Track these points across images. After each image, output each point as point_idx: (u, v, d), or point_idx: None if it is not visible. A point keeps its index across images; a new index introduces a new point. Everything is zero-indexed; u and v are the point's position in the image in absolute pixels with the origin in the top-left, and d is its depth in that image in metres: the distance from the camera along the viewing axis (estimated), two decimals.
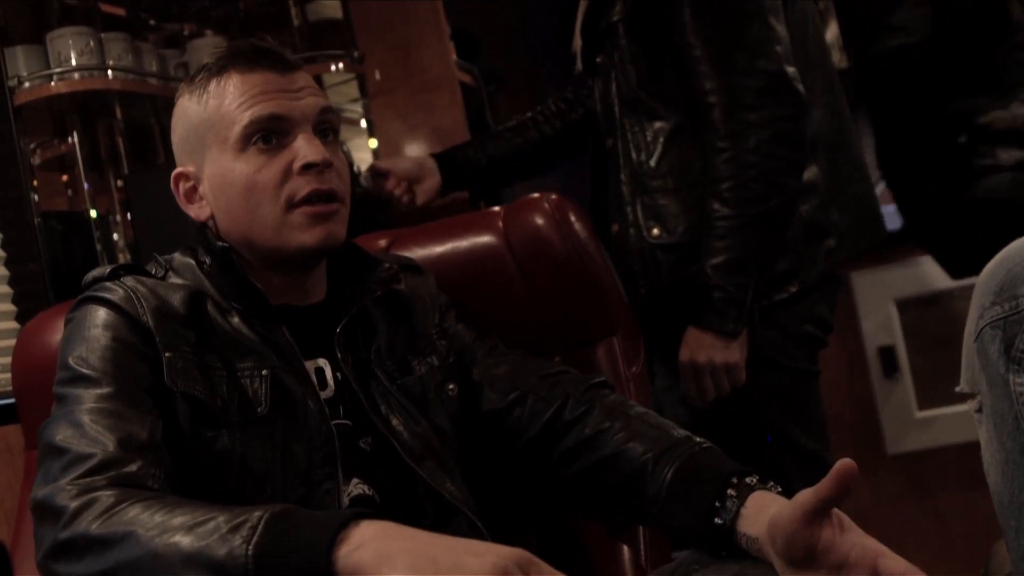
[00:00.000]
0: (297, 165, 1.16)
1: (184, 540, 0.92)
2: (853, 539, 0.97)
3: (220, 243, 1.20)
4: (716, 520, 1.06)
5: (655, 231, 1.70)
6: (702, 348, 1.65)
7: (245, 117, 1.16)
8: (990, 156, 1.96)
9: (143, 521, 0.94)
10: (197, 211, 1.22)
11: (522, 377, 1.28)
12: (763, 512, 1.03)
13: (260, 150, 1.17)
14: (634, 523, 1.29)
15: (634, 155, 1.73)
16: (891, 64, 2.03)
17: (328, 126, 1.21)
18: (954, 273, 2.21)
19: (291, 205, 1.16)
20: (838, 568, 0.96)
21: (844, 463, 0.94)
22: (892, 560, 0.96)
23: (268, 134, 1.17)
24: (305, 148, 1.16)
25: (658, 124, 1.71)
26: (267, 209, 1.17)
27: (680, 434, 1.17)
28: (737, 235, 1.62)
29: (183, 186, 1.23)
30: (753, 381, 1.71)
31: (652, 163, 1.71)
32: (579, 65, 1.84)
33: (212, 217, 1.21)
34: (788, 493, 1.03)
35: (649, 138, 1.72)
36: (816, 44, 1.83)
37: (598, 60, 1.81)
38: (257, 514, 0.92)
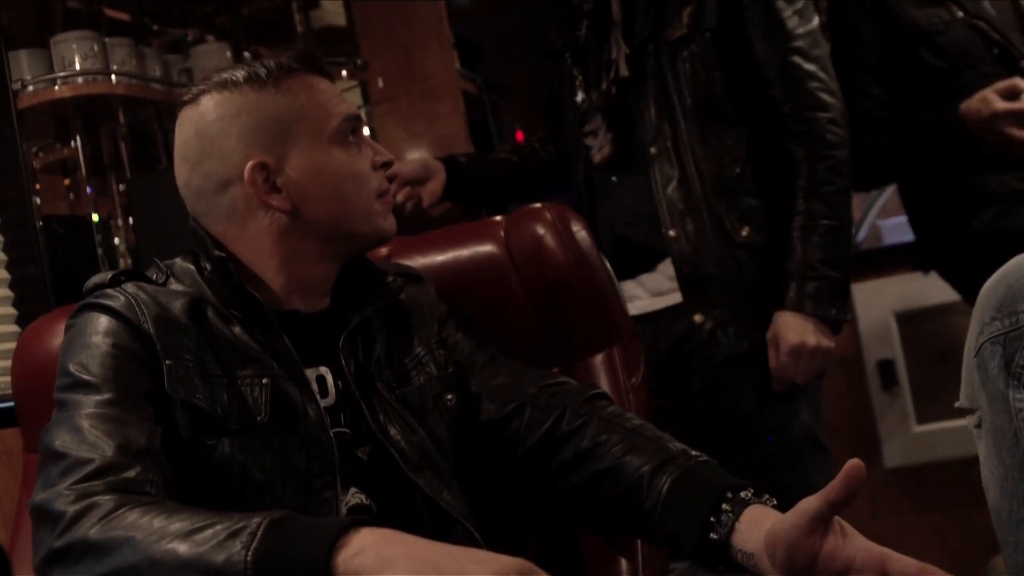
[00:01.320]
0: (378, 161, 1.25)
1: (182, 546, 0.92)
2: (858, 543, 0.97)
3: (218, 253, 1.19)
4: (711, 535, 1.06)
5: (744, 232, 1.78)
6: (810, 333, 1.73)
7: (341, 112, 1.22)
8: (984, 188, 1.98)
9: (141, 526, 0.94)
10: (280, 202, 1.20)
11: (520, 388, 1.28)
12: (758, 527, 1.03)
13: (351, 143, 1.23)
14: (631, 535, 1.29)
15: (710, 161, 1.79)
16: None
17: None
18: (972, 300, 2.21)
19: (377, 195, 1.24)
20: (842, 574, 0.96)
21: (853, 464, 0.94)
22: (902, 561, 0.96)
23: (354, 131, 1.24)
24: (379, 147, 1.27)
25: (737, 130, 1.80)
26: (363, 197, 1.23)
27: (677, 447, 1.17)
28: (839, 235, 1.75)
29: (260, 176, 1.19)
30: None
31: (737, 168, 1.79)
32: (624, 71, 1.85)
33: (293, 207, 1.20)
34: (810, 489, 1.01)
35: (728, 143, 1.80)
36: None
37: (647, 65, 1.83)
38: (256, 520, 0.92)
